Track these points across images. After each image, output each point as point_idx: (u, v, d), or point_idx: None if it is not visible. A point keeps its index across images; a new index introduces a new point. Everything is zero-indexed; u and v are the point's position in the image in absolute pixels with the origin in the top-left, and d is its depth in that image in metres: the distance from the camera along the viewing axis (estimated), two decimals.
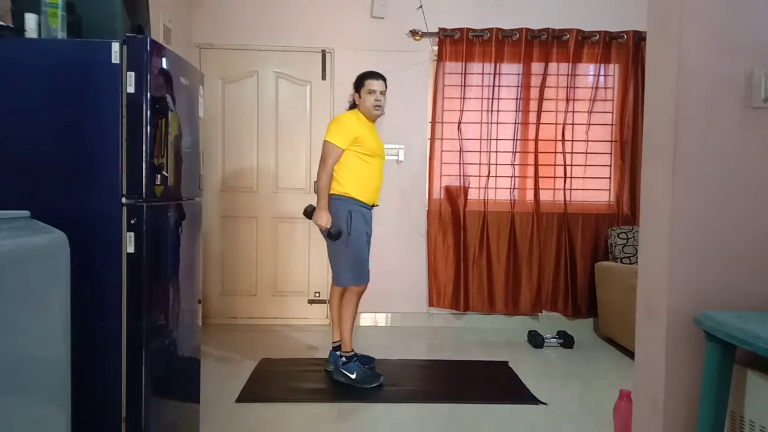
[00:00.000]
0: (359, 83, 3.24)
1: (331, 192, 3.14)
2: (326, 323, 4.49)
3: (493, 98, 4.36)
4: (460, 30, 4.32)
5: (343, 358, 3.19)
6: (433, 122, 4.38)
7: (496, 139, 4.39)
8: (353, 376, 3.13)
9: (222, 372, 3.33)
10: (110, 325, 1.89)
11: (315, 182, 3.24)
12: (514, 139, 4.39)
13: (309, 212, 3.18)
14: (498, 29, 4.32)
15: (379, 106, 3.21)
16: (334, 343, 3.33)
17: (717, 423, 1.49)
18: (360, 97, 3.23)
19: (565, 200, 4.40)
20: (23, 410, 1.42)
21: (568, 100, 4.38)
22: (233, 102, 4.45)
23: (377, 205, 3.29)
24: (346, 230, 3.10)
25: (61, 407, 1.57)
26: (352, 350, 3.23)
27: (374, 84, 3.20)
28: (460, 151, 4.37)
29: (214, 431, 2.57)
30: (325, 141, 3.17)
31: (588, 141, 4.43)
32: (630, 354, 3.66)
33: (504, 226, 4.40)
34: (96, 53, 1.85)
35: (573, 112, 4.39)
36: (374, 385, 3.12)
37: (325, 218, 3.09)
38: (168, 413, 2.17)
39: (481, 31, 4.33)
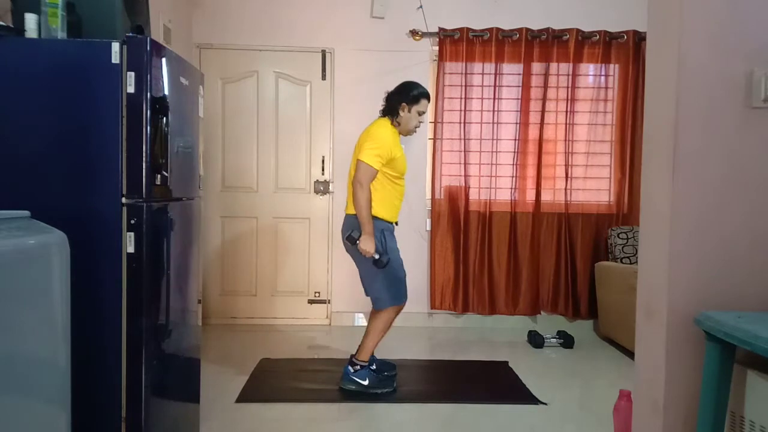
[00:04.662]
0: (413, 98, 3.03)
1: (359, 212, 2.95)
2: (326, 323, 4.49)
3: (493, 98, 4.36)
4: (460, 30, 4.32)
5: (357, 366, 3.06)
6: (434, 122, 4.38)
7: (497, 139, 4.39)
8: (365, 383, 3.03)
9: (222, 372, 3.33)
10: (110, 325, 1.89)
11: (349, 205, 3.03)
12: (514, 139, 4.39)
13: (353, 240, 2.93)
14: (498, 29, 4.32)
15: (417, 128, 3.12)
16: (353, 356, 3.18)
17: (717, 423, 1.49)
18: (409, 111, 3.03)
19: (565, 200, 4.40)
20: (23, 410, 1.42)
21: (568, 100, 4.38)
22: (233, 102, 4.45)
23: (397, 224, 3.16)
24: (383, 252, 2.95)
25: (61, 407, 1.57)
26: (367, 362, 3.08)
27: (426, 106, 3.07)
28: (461, 151, 4.37)
29: (214, 431, 2.57)
30: (360, 161, 2.91)
31: (588, 141, 4.43)
32: (630, 354, 3.66)
33: (504, 227, 4.40)
34: (96, 53, 1.85)
35: (573, 112, 4.39)
36: (387, 390, 3.04)
37: (373, 245, 2.90)
38: (168, 413, 2.17)
39: (481, 31, 4.33)
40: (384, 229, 3.01)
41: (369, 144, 2.94)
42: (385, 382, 3.10)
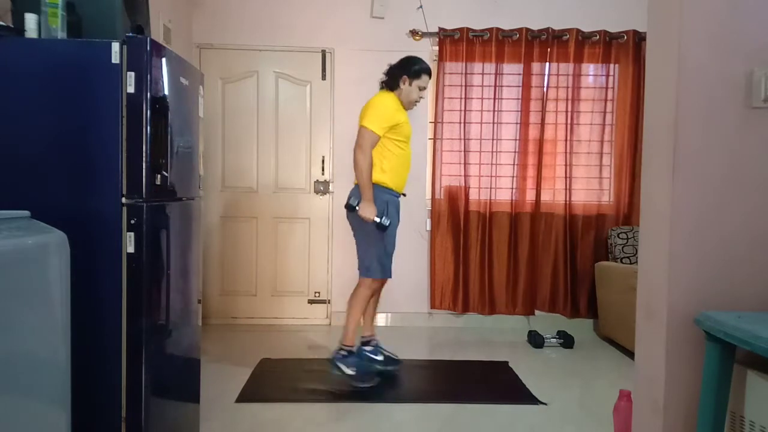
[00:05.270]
0: (415, 72, 3.09)
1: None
2: (326, 323, 4.49)
3: (493, 98, 4.36)
4: (460, 30, 4.32)
5: (343, 352, 3.10)
6: (434, 122, 4.38)
7: (497, 139, 4.39)
8: (351, 372, 3.06)
9: (222, 372, 3.33)
10: (110, 325, 1.89)
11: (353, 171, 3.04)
12: (514, 139, 4.39)
13: (352, 207, 2.97)
14: (498, 29, 4.32)
15: (418, 103, 3.18)
16: (363, 337, 3.29)
17: (717, 423, 1.49)
18: (409, 84, 3.09)
19: (565, 200, 4.40)
20: (23, 410, 1.42)
21: (568, 100, 4.38)
22: (233, 102, 4.45)
23: (405, 195, 3.20)
24: (384, 214, 2.97)
25: (61, 407, 1.57)
26: (354, 346, 3.14)
27: (427, 81, 3.13)
28: (461, 151, 4.37)
29: (214, 431, 2.57)
30: (362, 126, 2.97)
31: (589, 141, 4.43)
32: (630, 354, 3.66)
33: (504, 227, 4.40)
34: (96, 53, 1.85)
35: (573, 112, 4.38)
36: (369, 385, 3.05)
37: (374, 211, 2.93)
38: (168, 413, 2.17)
39: (481, 31, 4.33)
40: (388, 201, 3.04)
41: (371, 111, 3.01)
42: (368, 377, 3.09)
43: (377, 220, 2.95)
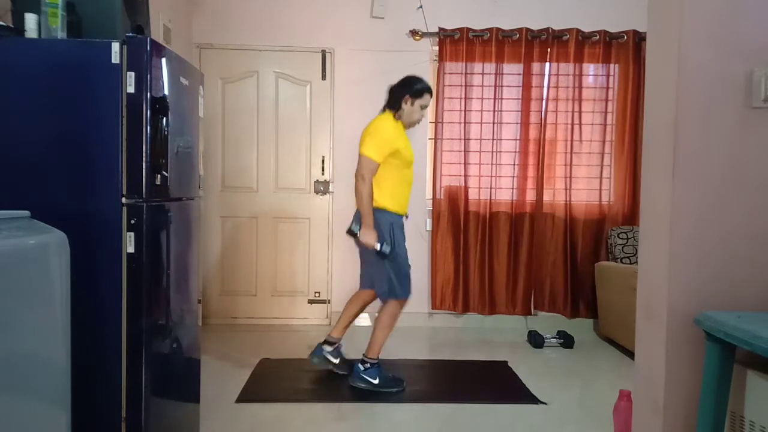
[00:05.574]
0: (417, 92, 3.06)
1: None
2: (326, 323, 4.49)
3: (493, 98, 4.36)
4: (460, 30, 4.32)
5: (367, 365, 3.10)
6: (435, 122, 4.38)
7: (497, 139, 4.39)
8: (375, 381, 3.06)
9: (222, 372, 3.33)
10: (110, 325, 1.89)
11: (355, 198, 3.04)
12: (515, 139, 4.39)
13: (353, 233, 2.99)
14: (498, 29, 4.32)
15: (419, 122, 3.17)
16: (329, 337, 3.28)
17: (717, 423, 1.49)
18: (411, 104, 3.06)
19: (566, 200, 4.40)
20: (23, 410, 1.42)
21: (568, 100, 4.38)
22: (233, 102, 4.45)
23: (408, 216, 3.18)
24: (391, 245, 2.98)
25: (61, 407, 1.57)
26: (378, 359, 3.13)
27: (428, 100, 3.11)
28: (461, 151, 4.37)
29: (214, 431, 2.57)
30: (361, 155, 2.98)
31: (590, 141, 4.43)
32: (630, 354, 3.66)
33: (504, 226, 4.40)
34: (96, 53, 1.85)
35: (573, 112, 4.39)
36: (397, 389, 3.06)
37: (374, 237, 2.94)
38: (168, 413, 2.17)
39: (481, 31, 4.33)
40: (393, 223, 3.04)
41: (370, 138, 3.00)
42: (394, 381, 3.11)
43: (377, 247, 2.95)
